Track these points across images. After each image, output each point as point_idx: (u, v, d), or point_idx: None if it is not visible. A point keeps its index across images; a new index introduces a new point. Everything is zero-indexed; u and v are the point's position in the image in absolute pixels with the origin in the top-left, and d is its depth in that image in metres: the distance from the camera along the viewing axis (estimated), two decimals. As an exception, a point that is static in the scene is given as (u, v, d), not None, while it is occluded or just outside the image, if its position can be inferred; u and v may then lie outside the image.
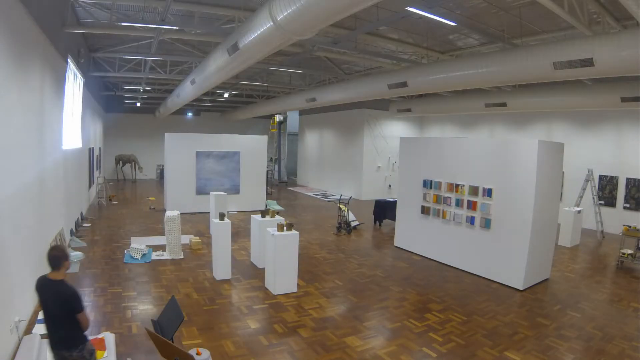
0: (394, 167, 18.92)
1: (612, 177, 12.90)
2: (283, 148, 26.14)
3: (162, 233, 10.20)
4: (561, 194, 9.54)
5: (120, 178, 23.82)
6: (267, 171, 18.30)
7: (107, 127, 22.97)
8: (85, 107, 12.70)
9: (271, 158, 25.50)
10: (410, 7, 6.53)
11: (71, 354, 3.30)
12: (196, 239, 9.63)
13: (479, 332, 5.70)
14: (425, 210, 9.45)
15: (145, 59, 12.85)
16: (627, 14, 6.50)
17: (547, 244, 8.05)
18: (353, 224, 12.17)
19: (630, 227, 9.33)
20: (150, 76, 14.47)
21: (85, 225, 11.22)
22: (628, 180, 12.53)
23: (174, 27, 8.53)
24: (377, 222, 13.00)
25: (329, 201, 17.63)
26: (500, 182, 7.86)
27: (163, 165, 17.73)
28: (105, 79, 17.48)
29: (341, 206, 12.18)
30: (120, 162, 23.40)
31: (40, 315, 5.41)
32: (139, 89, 18.77)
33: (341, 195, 15.32)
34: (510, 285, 7.56)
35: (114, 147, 23.39)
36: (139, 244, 8.83)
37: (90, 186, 14.74)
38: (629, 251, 9.14)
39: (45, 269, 3.34)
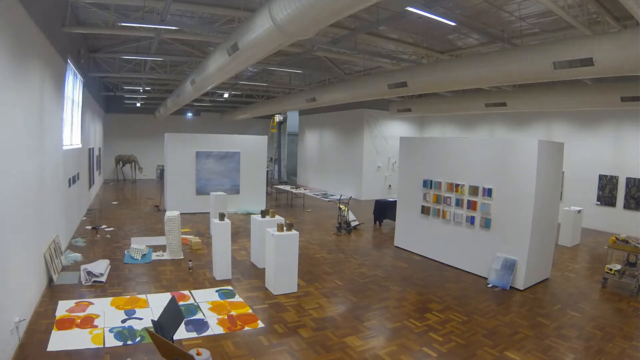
0: (394, 167, 18.91)
1: (612, 176, 12.91)
2: (283, 148, 26.13)
3: (162, 233, 10.19)
4: (561, 193, 9.55)
5: (120, 178, 23.83)
6: (267, 171, 18.28)
7: (107, 128, 22.99)
8: (85, 108, 12.71)
9: (271, 158, 25.49)
10: (409, 7, 6.53)
11: None
12: (196, 239, 9.63)
13: (479, 332, 5.70)
14: (425, 210, 9.45)
15: (145, 59, 12.86)
16: (627, 14, 6.50)
17: (547, 243, 8.05)
18: (353, 224, 12.18)
19: (618, 237, 7.88)
20: (150, 76, 14.49)
21: (86, 227, 11.22)
22: (628, 179, 12.53)
23: (174, 27, 8.53)
24: (377, 222, 13.00)
25: (329, 201, 17.63)
26: (500, 182, 7.86)
27: (163, 166, 17.74)
28: (105, 79, 17.51)
29: (341, 206, 12.18)
30: (120, 162, 23.40)
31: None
32: (139, 89, 18.79)
33: (341, 195, 15.33)
34: (510, 284, 7.55)
35: (114, 147, 23.39)
36: (139, 244, 8.83)
37: (90, 187, 14.74)
38: (617, 267, 7.60)
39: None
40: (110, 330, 5.26)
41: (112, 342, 4.97)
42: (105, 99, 21.69)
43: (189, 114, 26.66)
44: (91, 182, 15.10)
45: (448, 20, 7.30)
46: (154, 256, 8.60)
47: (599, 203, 13.12)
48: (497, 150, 8.09)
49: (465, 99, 14.40)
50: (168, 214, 8.64)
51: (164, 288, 6.92)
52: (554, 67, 7.13)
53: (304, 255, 8.94)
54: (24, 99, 5.48)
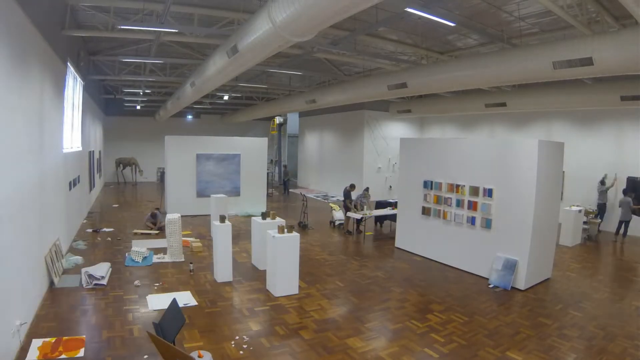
0: (395, 168, 18.91)
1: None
2: (283, 150, 26.12)
3: (162, 236, 10.19)
4: (562, 193, 9.53)
5: (120, 181, 23.85)
6: (267, 173, 18.31)
7: (107, 130, 23.01)
8: (85, 111, 12.72)
9: (271, 160, 25.50)
10: (409, 7, 6.53)
11: None
12: (197, 242, 9.62)
13: (481, 333, 5.69)
14: (425, 211, 9.44)
15: (144, 62, 12.88)
16: (626, 13, 6.50)
17: (548, 243, 8.04)
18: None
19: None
20: (149, 79, 14.50)
21: (87, 230, 11.22)
22: (629, 178, 12.51)
23: (173, 30, 8.54)
24: (378, 223, 12.98)
25: (329, 202, 17.61)
26: (501, 182, 7.85)
27: (163, 168, 17.76)
28: (105, 82, 17.52)
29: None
30: (121, 165, 23.43)
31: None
32: (139, 92, 18.82)
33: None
34: (511, 285, 7.54)
35: (114, 150, 23.41)
36: (140, 247, 8.83)
37: (90, 190, 14.75)
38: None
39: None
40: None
41: None
42: (106, 102, 21.73)
43: (189, 117, 26.69)
44: (92, 185, 15.10)
45: (447, 20, 7.30)
46: (155, 259, 8.60)
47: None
48: (497, 151, 8.09)
49: (465, 100, 14.41)
50: (169, 216, 8.64)
51: (165, 290, 6.92)
52: (553, 67, 7.14)
53: (305, 257, 8.93)
54: (24, 102, 5.49)
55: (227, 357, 4.85)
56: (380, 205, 13.08)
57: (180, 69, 14.25)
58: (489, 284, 7.66)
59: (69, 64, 8.99)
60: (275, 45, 6.17)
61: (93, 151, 15.41)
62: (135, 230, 11.14)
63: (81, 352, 4.81)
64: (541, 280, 7.89)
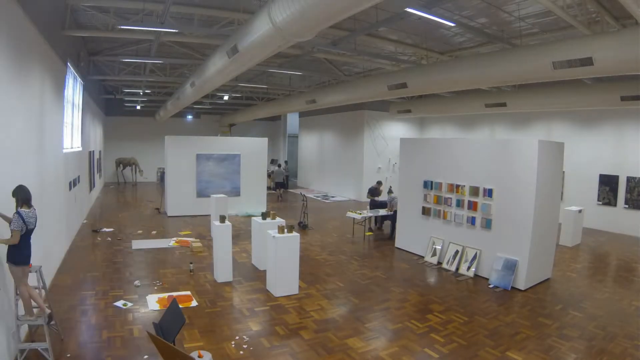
0: (394, 169, 18.91)
1: (612, 176, 12.88)
2: (283, 150, 26.08)
3: (163, 236, 10.20)
4: (562, 193, 9.53)
5: (120, 181, 23.85)
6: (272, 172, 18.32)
7: (107, 131, 23.01)
8: (85, 111, 12.72)
9: (272, 160, 25.47)
10: (409, 8, 6.53)
11: None
12: (197, 242, 9.62)
13: (481, 333, 5.69)
14: (425, 211, 9.44)
15: (144, 62, 12.88)
16: (626, 13, 6.50)
17: (548, 243, 8.04)
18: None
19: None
20: (149, 79, 14.50)
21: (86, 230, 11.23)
22: (629, 179, 12.51)
23: (173, 30, 8.54)
24: (377, 224, 12.97)
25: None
26: (501, 182, 7.85)
27: (163, 168, 17.76)
28: (105, 82, 17.53)
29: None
30: (121, 165, 23.43)
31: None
32: (139, 92, 18.82)
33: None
34: (511, 285, 7.54)
35: (114, 150, 23.41)
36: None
37: (90, 190, 14.75)
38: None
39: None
40: None
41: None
42: (106, 102, 21.72)
43: (189, 117, 26.68)
44: (92, 185, 15.10)
45: (447, 20, 7.30)
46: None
47: (600, 202, 13.10)
48: (497, 151, 8.09)
49: (465, 100, 14.40)
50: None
51: (165, 290, 6.92)
52: (553, 67, 7.13)
53: (305, 257, 8.93)
54: (24, 102, 5.49)
55: (227, 357, 4.86)
56: (379, 205, 13.05)
57: (180, 69, 14.25)
58: (489, 284, 7.66)
59: (69, 64, 8.99)
60: (275, 46, 6.16)
61: (93, 151, 15.41)
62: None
63: (194, 302, 6.40)
64: (541, 280, 7.89)
